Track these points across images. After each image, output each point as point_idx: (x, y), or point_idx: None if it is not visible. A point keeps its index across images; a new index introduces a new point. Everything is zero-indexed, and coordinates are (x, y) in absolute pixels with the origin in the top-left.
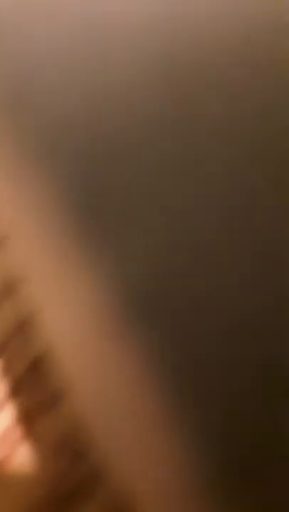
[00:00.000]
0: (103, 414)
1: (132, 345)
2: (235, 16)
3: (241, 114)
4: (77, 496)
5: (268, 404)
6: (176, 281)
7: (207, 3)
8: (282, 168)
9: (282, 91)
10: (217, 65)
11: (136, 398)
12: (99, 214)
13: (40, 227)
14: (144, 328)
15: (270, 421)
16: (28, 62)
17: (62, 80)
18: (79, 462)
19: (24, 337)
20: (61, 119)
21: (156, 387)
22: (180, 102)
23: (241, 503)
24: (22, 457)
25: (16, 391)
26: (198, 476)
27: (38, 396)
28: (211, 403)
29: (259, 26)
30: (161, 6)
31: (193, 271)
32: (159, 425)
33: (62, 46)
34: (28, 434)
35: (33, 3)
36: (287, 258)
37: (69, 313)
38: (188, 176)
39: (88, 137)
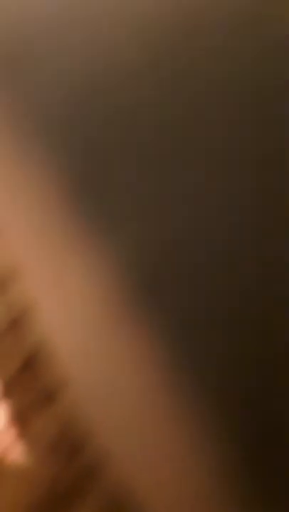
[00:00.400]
0: (103, 410)
1: (133, 335)
2: None
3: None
4: (74, 495)
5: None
6: (177, 266)
7: None
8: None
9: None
10: (217, 26)
11: (137, 392)
12: (94, 198)
13: (33, 216)
14: (145, 316)
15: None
16: (26, 24)
17: (61, 46)
18: (76, 460)
19: (18, 332)
20: (57, 97)
21: (159, 379)
22: (181, 62)
23: (252, 504)
24: (18, 457)
25: (10, 388)
26: (202, 474)
27: (34, 393)
28: (220, 393)
29: None
30: None
31: (195, 253)
32: (163, 419)
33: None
34: (24, 432)
35: None
36: None
37: (65, 304)
38: (188, 154)
39: (84, 117)
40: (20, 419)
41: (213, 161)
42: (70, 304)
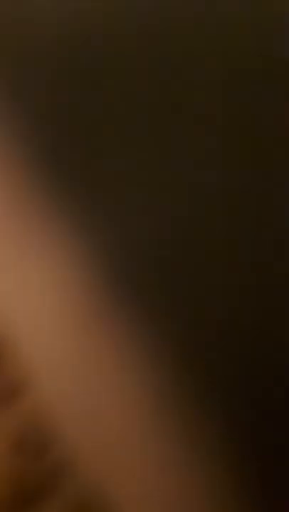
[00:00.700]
0: (72, 407)
1: (109, 332)
2: None
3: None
4: (42, 493)
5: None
6: (161, 259)
7: None
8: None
9: None
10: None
11: (108, 387)
12: (69, 180)
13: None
14: (122, 312)
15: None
16: None
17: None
18: (43, 457)
19: None
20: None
21: (130, 373)
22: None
23: (240, 504)
24: None
25: None
26: (179, 473)
27: None
28: (205, 392)
29: None
30: None
31: (188, 250)
32: (136, 417)
33: None
34: None
35: None
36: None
37: (32, 297)
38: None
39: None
40: None
41: (212, 154)
42: (38, 296)
